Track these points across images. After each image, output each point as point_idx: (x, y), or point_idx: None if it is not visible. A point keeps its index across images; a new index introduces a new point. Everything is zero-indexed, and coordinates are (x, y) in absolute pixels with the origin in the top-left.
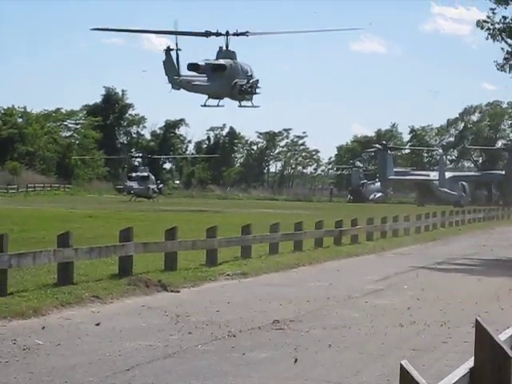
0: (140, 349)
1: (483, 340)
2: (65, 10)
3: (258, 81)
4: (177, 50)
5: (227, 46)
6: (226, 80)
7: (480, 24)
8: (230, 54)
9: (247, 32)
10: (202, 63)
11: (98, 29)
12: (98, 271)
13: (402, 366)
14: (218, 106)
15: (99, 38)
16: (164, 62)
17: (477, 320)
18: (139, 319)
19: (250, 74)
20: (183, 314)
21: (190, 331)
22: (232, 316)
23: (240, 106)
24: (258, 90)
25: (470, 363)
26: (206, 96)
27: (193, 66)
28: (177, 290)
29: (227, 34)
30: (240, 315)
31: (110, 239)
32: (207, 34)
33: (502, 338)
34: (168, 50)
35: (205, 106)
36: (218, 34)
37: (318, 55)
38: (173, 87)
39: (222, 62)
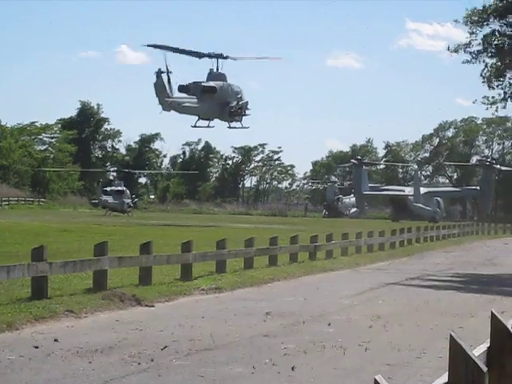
0: (114, 363)
1: (457, 355)
2: (40, 22)
3: (247, 102)
4: (167, 72)
5: (217, 68)
6: (215, 101)
7: (458, 48)
8: (221, 76)
9: (227, 56)
10: (192, 85)
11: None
12: (72, 285)
13: (376, 381)
14: (208, 126)
15: (75, 51)
16: (155, 84)
17: (451, 335)
18: (113, 334)
19: (240, 95)
20: (157, 329)
21: (164, 346)
22: (206, 331)
23: (230, 127)
24: (247, 112)
25: (444, 378)
26: (196, 117)
27: (183, 88)
28: (151, 304)
29: (218, 56)
30: (214, 330)
31: (85, 253)
32: (200, 55)
33: (476, 353)
34: (159, 73)
35: (195, 127)
36: (210, 56)
37: (294, 70)
38: (163, 109)
39: (212, 83)
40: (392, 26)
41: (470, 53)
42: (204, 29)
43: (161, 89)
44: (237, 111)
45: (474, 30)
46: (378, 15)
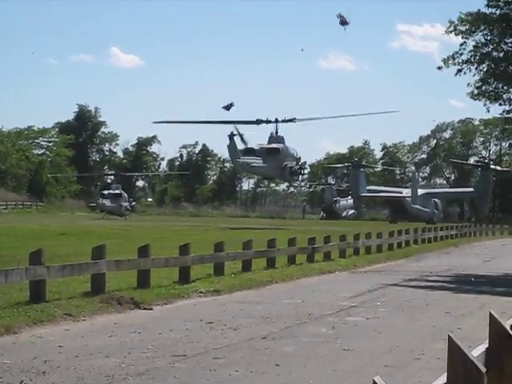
0: (112, 366)
1: (456, 356)
2: (32, 25)
3: (305, 162)
4: (240, 134)
5: (277, 132)
6: (278, 162)
7: (446, 63)
8: (280, 139)
9: (295, 118)
10: (257, 147)
11: (159, 122)
12: (70, 289)
13: (374, 382)
14: (268, 185)
15: (67, 55)
16: (228, 146)
17: (449, 336)
18: (111, 337)
19: (298, 156)
20: (156, 332)
21: (162, 349)
22: (204, 333)
23: (290, 185)
24: (305, 171)
25: (443, 379)
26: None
27: (248, 151)
28: (149, 307)
29: (276, 121)
30: (212, 333)
31: (83, 257)
32: (258, 122)
33: (474, 353)
34: (232, 136)
35: (257, 187)
36: (268, 122)
37: (287, 71)
38: (235, 168)
39: (275, 145)
40: (383, 28)
41: (460, 63)
42: (191, 26)
43: (233, 150)
44: (297, 171)
45: (464, 40)
46: (368, 17)
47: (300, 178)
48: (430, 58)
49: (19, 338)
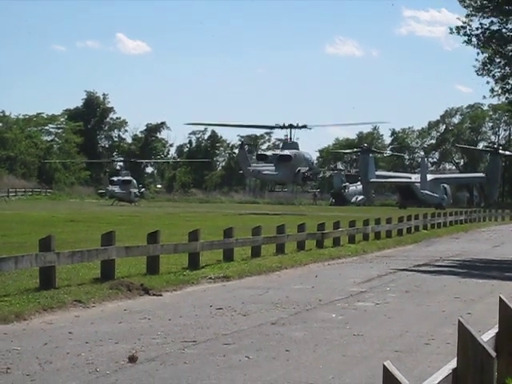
0: (122, 352)
1: (466, 341)
2: (39, 12)
3: (319, 170)
4: (249, 144)
5: (290, 138)
6: (290, 168)
7: (457, 29)
8: (294, 145)
9: (308, 126)
10: (269, 154)
11: (191, 123)
12: (80, 275)
13: (385, 367)
14: (282, 190)
15: (72, 41)
16: (238, 154)
17: (459, 321)
18: (121, 323)
19: (311, 162)
20: (165, 318)
21: (172, 335)
22: (214, 319)
23: (303, 191)
24: (318, 177)
25: (453, 364)
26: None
27: (261, 157)
28: (159, 293)
29: (291, 126)
30: (222, 318)
31: (92, 243)
32: (273, 127)
33: (484, 338)
34: (242, 145)
35: (271, 191)
36: (283, 127)
37: (294, 58)
38: (246, 176)
39: (287, 152)
40: (389, 14)
41: (469, 35)
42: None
43: (243, 159)
44: (309, 177)
45: (472, 12)
46: (374, 3)
47: (312, 184)
48: (437, 43)
49: (29, 324)
